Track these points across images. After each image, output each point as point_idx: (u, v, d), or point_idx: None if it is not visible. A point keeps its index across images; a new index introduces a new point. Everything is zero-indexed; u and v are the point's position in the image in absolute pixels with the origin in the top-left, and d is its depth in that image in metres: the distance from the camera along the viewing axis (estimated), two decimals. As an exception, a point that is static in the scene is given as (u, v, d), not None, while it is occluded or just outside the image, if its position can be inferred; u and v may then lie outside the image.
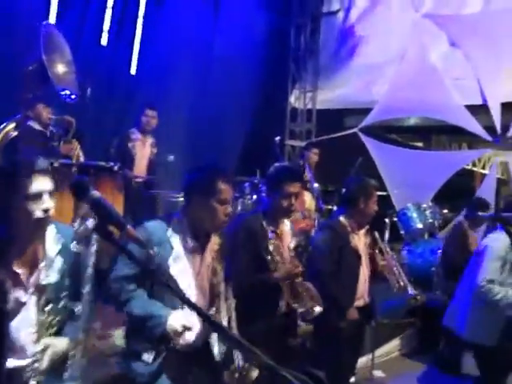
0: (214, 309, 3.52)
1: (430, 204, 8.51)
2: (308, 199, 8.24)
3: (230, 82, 10.23)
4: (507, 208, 5.68)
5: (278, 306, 4.31)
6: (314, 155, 8.88)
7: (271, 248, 4.20)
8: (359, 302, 5.06)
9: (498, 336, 5.39)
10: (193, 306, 2.12)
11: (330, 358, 4.89)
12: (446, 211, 8.86)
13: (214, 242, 3.67)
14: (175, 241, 3.50)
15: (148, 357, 3.36)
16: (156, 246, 3.40)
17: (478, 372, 5.89)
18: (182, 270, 3.48)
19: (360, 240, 5.07)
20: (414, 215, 8.17)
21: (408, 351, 8.29)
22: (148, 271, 2.55)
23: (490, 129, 9.96)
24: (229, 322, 3.58)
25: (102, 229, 2.24)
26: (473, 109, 9.94)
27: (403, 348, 8.19)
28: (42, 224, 2.92)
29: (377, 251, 5.15)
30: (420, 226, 8.17)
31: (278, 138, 8.40)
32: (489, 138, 9.96)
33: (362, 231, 5.11)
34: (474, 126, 9.84)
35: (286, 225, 4.54)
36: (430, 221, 8.22)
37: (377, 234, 5.15)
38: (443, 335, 6.99)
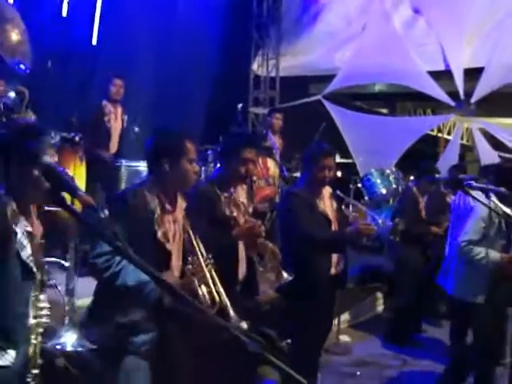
0: (189, 266, 3.51)
1: (394, 169, 8.51)
2: (272, 166, 8.21)
3: (193, 50, 10.11)
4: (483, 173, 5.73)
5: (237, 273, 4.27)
6: (276, 120, 8.84)
7: (228, 213, 4.18)
8: (332, 270, 5.06)
9: (483, 292, 5.49)
10: (146, 270, 2.09)
11: (300, 327, 4.91)
12: (412, 178, 8.87)
13: (181, 201, 3.71)
14: (153, 205, 3.51)
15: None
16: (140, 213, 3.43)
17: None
18: (165, 232, 3.52)
19: (326, 205, 5.05)
20: (378, 181, 8.17)
21: (374, 316, 8.38)
22: (99, 234, 2.51)
23: (454, 94, 9.98)
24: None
25: (54, 195, 2.20)
26: (436, 75, 9.96)
27: (369, 313, 8.27)
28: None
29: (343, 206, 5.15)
30: (383, 191, 8.16)
31: (240, 105, 8.36)
32: (452, 104, 9.99)
33: (327, 195, 5.10)
34: (437, 91, 9.86)
35: (243, 188, 4.52)
36: (394, 186, 8.21)
37: (339, 192, 5.12)
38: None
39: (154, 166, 3.62)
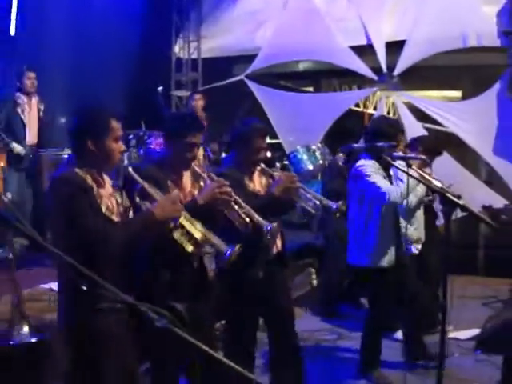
0: None
1: (319, 145, 8.51)
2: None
3: (113, 35, 9.93)
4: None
5: None
6: (196, 102, 8.78)
7: None
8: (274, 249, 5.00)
9: (389, 257, 5.63)
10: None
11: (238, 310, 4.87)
12: (341, 154, 8.87)
13: (107, 178, 3.63)
14: (89, 181, 3.45)
15: None
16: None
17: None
18: (107, 206, 3.51)
19: (256, 183, 4.97)
20: (304, 157, 8.13)
21: (307, 291, 8.45)
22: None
23: (378, 69, 10.01)
24: None
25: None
26: (359, 50, 9.97)
27: (303, 289, 8.32)
28: None
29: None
30: (310, 167, 8.14)
31: (160, 88, 8.23)
32: (376, 78, 10.01)
33: (256, 174, 4.99)
34: (360, 66, 9.87)
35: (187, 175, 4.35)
36: (320, 162, 8.21)
37: (263, 165, 5.01)
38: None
39: (78, 145, 3.52)
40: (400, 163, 4.53)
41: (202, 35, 11.44)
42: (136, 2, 10.67)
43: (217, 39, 11.34)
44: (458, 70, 13.25)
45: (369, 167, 5.58)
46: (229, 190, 4.07)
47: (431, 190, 4.06)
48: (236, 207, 4.17)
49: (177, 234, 3.84)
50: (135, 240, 3.50)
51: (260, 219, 4.25)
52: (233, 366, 1.84)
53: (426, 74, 12.59)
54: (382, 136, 5.57)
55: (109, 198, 3.54)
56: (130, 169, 3.77)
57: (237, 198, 4.16)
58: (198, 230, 3.87)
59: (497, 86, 9.20)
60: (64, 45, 9.39)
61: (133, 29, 10.45)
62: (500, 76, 9.13)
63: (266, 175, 5.03)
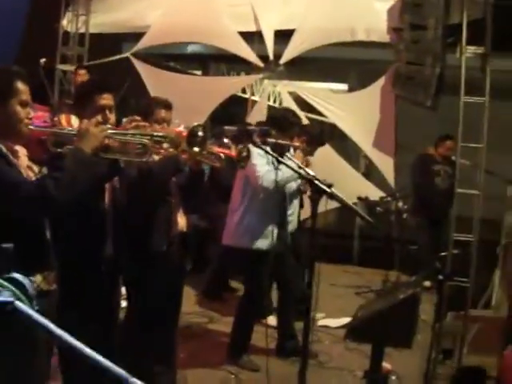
0: None
1: (201, 128, 8.42)
2: (75, 123, 7.89)
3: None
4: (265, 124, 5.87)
5: None
6: (79, 77, 8.56)
7: None
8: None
9: (269, 240, 5.69)
10: None
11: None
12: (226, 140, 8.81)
13: (20, 148, 3.33)
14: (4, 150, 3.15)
15: None
16: None
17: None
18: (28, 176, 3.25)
19: None
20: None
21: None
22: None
23: (265, 57, 10.00)
24: None
25: None
26: (247, 36, 9.93)
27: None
28: None
29: None
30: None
31: (42, 61, 7.93)
32: (262, 66, 10.00)
33: None
34: (247, 53, 9.83)
35: None
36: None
37: None
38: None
39: None
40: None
41: (92, 10, 11.11)
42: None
43: (107, 15, 11.03)
44: (346, 63, 13.49)
45: (254, 150, 5.59)
46: None
47: (301, 177, 4.07)
48: None
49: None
50: (77, 187, 3.20)
51: None
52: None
53: (313, 66, 12.74)
54: (273, 125, 5.61)
55: (26, 170, 3.26)
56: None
57: None
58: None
59: (381, 81, 9.35)
60: None
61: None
62: (385, 71, 9.29)
63: None
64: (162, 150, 3.96)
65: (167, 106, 5.00)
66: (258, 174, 5.64)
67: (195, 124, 4.06)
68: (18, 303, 1.76)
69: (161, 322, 4.91)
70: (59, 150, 3.46)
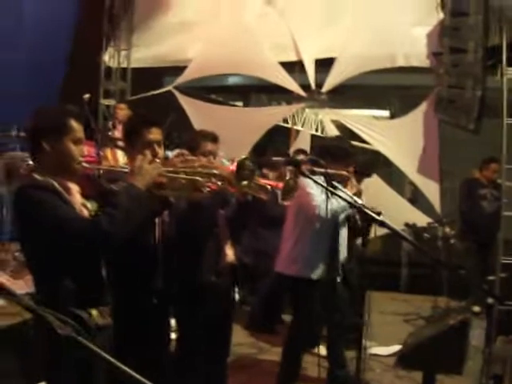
0: None
1: (245, 159, 8.46)
2: (121, 157, 8.02)
3: (44, 40, 9.80)
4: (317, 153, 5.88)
5: None
6: (120, 111, 8.72)
7: None
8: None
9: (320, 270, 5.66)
10: None
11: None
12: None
13: (72, 184, 3.34)
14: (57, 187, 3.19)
15: None
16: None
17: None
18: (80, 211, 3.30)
19: None
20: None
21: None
22: None
23: (306, 86, 10.05)
24: None
25: None
26: (288, 66, 10.00)
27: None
28: None
29: None
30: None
31: (86, 96, 8.04)
32: (304, 95, 10.05)
33: None
34: (289, 82, 9.90)
35: None
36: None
37: None
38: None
39: (35, 148, 3.25)
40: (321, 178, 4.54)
41: (134, 44, 11.31)
42: (68, 9, 10.51)
43: (147, 49, 11.22)
44: (387, 89, 13.49)
45: (309, 179, 5.60)
46: None
47: (350, 205, 4.06)
48: None
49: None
50: (131, 223, 3.23)
51: None
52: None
53: (354, 93, 12.76)
54: (327, 154, 5.61)
55: (80, 207, 3.30)
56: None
57: None
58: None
59: (424, 106, 9.33)
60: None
61: (64, 36, 10.31)
62: (427, 96, 9.27)
63: None
64: (212, 184, 3.98)
65: (214, 138, 5.04)
66: (315, 203, 5.63)
67: (243, 157, 4.07)
68: (79, 337, 1.79)
69: (210, 353, 4.92)
70: (112, 186, 3.53)
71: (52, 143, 3.20)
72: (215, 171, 3.88)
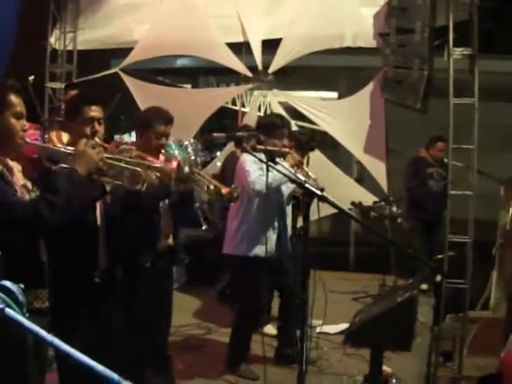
0: None
1: (192, 141, 8.43)
2: (66, 140, 7.92)
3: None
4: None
5: None
6: (70, 96, 8.58)
7: None
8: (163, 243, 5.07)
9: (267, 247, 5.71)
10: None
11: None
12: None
13: (14, 163, 3.28)
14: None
15: None
16: None
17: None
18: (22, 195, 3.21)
19: None
20: (176, 152, 8.07)
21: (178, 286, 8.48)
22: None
23: (254, 68, 10.01)
24: None
25: None
26: (235, 47, 9.94)
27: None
28: None
29: None
30: (181, 162, 8.12)
31: (31, 78, 7.91)
32: (251, 75, 10.01)
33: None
34: (236, 63, 9.84)
35: None
36: (192, 157, 8.16)
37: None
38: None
39: None
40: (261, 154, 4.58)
41: (80, 27, 11.13)
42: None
43: (94, 31, 11.05)
44: (334, 70, 13.53)
45: (248, 157, 5.62)
46: None
47: (292, 181, 4.10)
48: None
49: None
50: (71, 209, 3.19)
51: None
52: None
53: (302, 75, 12.77)
54: (258, 129, 5.66)
55: (21, 188, 3.24)
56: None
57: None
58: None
59: (370, 86, 9.37)
60: None
61: (7, 17, 10.09)
62: (374, 76, 9.31)
63: (169, 163, 5.10)
64: (154, 178, 3.98)
65: (168, 120, 5.04)
66: (250, 178, 5.68)
67: (181, 159, 4.18)
68: (8, 310, 1.75)
69: (152, 333, 4.95)
70: (53, 167, 3.47)
71: None
72: (159, 169, 3.92)
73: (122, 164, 3.66)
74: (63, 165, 3.43)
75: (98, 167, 3.45)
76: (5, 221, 3.00)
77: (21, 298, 1.93)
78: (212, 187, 4.70)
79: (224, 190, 4.75)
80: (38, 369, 3.26)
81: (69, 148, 3.54)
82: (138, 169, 3.68)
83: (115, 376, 1.56)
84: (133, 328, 4.71)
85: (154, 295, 4.89)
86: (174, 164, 4.95)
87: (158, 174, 4.01)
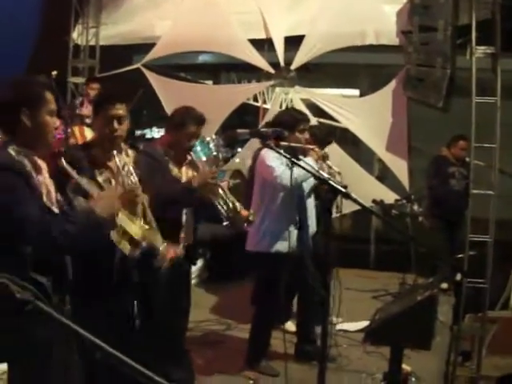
0: None
1: (214, 137, 8.51)
2: (89, 135, 7.98)
3: (9, 19, 9.66)
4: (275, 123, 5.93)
5: None
6: (91, 90, 8.64)
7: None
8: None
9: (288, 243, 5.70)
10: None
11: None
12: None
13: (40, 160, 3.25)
14: (28, 167, 3.09)
15: None
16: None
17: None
18: (47, 194, 3.19)
19: (183, 172, 5.09)
20: (198, 148, 8.11)
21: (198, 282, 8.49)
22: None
23: (276, 64, 10.02)
24: None
25: None
26: (257, 43, 9.96)
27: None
28: None
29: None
30: (204, 158, 8.13)
31: (54, 73, 7.96)
32: (273, 72, 10.02)
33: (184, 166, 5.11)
34: (258, 60, 9.86)
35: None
36: (214, 154, 8.23)
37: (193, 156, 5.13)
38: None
39: (11, 121, 3.15)
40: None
41: (102, 22, 11.18)
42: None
43: (116, 26, 11.10)
44: (357, 68, 13.50)
45: (269, 152, 5.62)
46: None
47: (315, 177, 4.10)
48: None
49: (114, 234, 3.70)
50: (85, 245, 3.17)
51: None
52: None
53: (324, 72, 12.75)
54: (279, 125, 5.65)
55: (46, 187, 3.19)
56: (64, 162, 3.44)
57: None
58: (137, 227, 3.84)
59: (392, 84, 9.35)
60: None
61: (31, 13, 10.16)
62: (396, 74, 9.28)
63: (193, 168, 5.12)
64: None
65: (201, 121, 5.08)
66: (276, 173, 5.67)
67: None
68: (38, 302, 1.77)
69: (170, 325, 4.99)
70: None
71: (31, 116, 3.13)
72: None
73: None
74: (81, 200, 3.48)
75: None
76: (21, 235, 2.98)
77: (50, 291, 1.95)
78: (231, 205, 4.81)
79: (243, 212, 4.92)
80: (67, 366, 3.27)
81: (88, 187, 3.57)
82: None
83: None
84: (150, 325, 4.73)
85: (171, 294, 4.90)
86: (200, 166, 5.04)
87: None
